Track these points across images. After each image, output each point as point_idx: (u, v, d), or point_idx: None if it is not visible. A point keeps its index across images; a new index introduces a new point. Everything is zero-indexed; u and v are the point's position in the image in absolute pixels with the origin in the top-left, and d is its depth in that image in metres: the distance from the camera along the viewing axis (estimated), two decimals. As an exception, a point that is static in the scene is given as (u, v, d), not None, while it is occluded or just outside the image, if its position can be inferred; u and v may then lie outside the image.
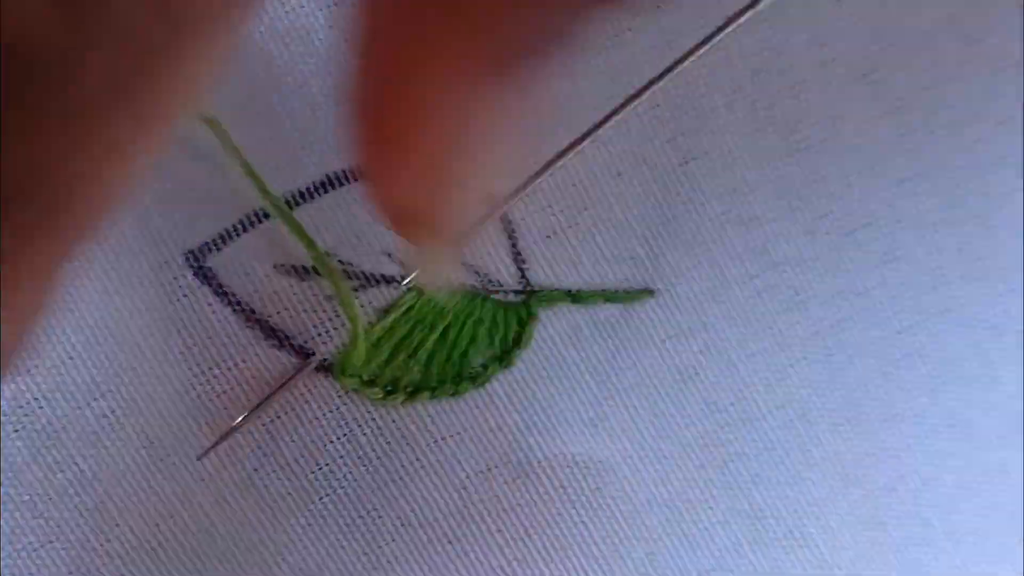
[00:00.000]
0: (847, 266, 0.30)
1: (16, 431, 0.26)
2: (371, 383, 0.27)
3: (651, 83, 0.24)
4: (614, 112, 0.26)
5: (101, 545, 0.26)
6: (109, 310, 0.26)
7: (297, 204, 0.26)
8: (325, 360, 0.27)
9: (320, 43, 0.27)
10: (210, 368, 0.26)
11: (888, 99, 0.30)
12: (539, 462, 0.28)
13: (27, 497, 0.26)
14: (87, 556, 0.26)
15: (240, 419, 0.26)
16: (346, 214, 0.27)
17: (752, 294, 0.29)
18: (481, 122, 0.15)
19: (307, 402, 0.27)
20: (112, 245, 0.26)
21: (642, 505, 0.29)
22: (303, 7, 0.26)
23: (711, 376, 0.29)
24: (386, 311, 0.27)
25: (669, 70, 0.22)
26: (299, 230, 0.25)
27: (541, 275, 0.28)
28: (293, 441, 0.27)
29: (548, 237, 0.28)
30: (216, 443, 0.26)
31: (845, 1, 0.29)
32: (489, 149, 0.16)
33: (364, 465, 0.27)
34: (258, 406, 0.26)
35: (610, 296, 0.28)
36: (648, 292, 0.28)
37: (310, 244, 0.25)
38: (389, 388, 0.27)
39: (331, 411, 0.27)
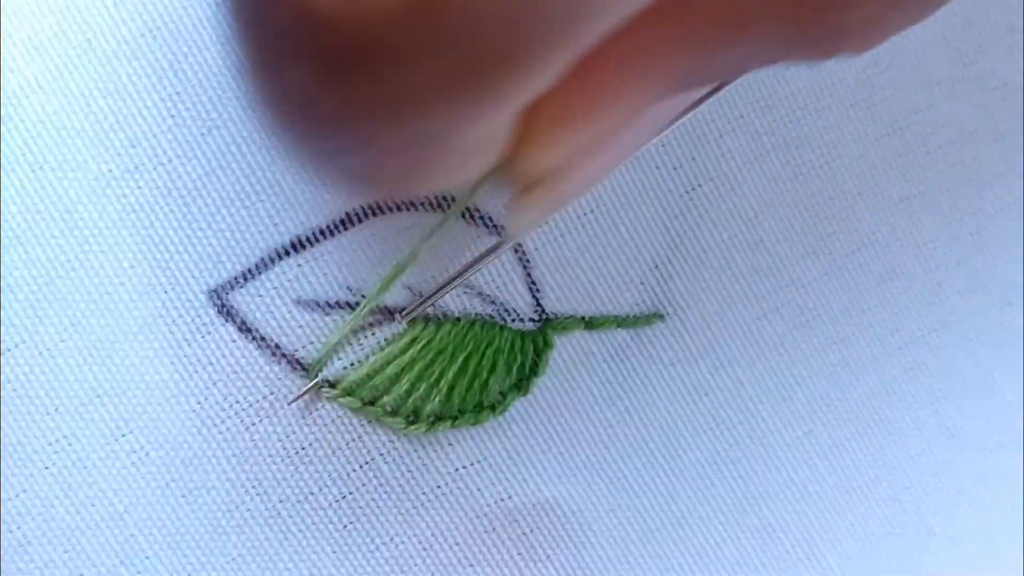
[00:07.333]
0: (849, 285, 0.31)
1: (47, 468, 0.27)
2: (393, 412, 0.27)
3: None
4: None
5: (132, 577, 0.27)
6: (134, 348, 0.27)
7: (318, 240, 0.27)
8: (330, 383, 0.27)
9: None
10: (236, 403, 0.27)
11: (885, 121, 0.31)
12: (555, 484, 0.29)
13: (59, 531, 0.27)
14: (117, 587, 0.27)
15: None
16: (367, 250, 0.27)
17: (759, 315, 0.30)
18: (628, 117, 0.18)
19: (330, 433, 0.27)
20: (135, 285, 0.27)
21: (654, 522, 0.30)
22: None
23: (720, 395, 0.30)
24: (409, 342, 0.27)
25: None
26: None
27: (555, 303, 0.29)
28: (317, 472, 0.27)
29: (560, 266, 0.28)
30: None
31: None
32: (621, 140, 0.19)
33: (386, 493, 0.28)
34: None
35: (621, 321, 0.29)
36: (658, 316, 0.29)
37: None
38: (411, 418, 0.28)
39: (353, 441, 0.28)
